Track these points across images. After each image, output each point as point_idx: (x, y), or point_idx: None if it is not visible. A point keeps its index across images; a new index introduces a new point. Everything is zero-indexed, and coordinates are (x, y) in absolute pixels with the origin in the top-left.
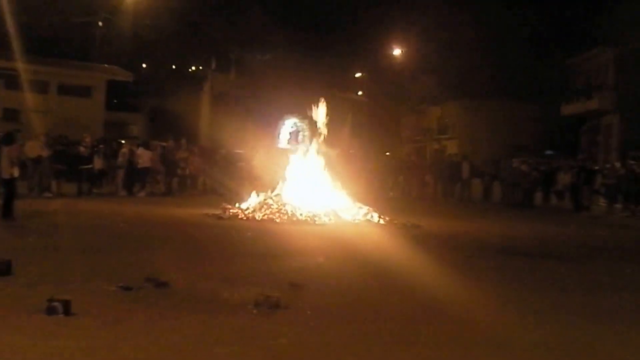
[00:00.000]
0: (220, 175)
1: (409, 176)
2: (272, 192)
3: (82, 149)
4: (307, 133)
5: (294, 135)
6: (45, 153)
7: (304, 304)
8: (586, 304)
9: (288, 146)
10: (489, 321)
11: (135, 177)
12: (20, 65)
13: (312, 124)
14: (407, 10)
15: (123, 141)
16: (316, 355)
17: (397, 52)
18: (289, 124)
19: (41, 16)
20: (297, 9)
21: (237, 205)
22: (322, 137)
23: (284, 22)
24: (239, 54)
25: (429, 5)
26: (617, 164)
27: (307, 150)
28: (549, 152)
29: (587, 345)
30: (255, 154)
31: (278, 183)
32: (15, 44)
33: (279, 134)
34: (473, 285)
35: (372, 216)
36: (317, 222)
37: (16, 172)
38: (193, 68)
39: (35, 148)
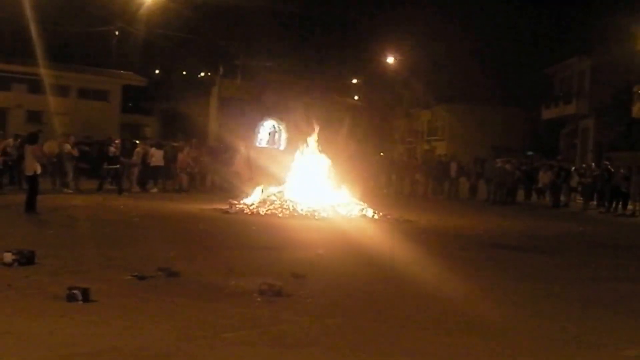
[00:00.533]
0: (226, 173)
1: (401, 175)
2: (275, 188)
3: (112, 149)
4: (284, 134)
5: (272, 135)
6: (74, 152)
7: (305, 292)
8: (567, 294)
9: (266, 145)
10: (477, 309)
11: (149, 174)
12: (43, 70)
13: (312, 126)
14: (400, 22)
15: (137, 141)
16: (316, 340)
17: (390, 60)
18: (268, 125)
19: (62, 25)
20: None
21: (242, 200)
22: (319, 138)
23: (286, 32)
24: (244, 60)
25: (420, 18)
26: (593, 165)
27: (307, 150)
28: (530, 153)
29: (576, 333)
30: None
31: (280, 180)
32: (39, 51)
33: (258, 133)
34: (462, 277)
35: (367, 212)
36: (316, 217)
37: (39, 169)
38: (202, 74)
39: (54, 147)
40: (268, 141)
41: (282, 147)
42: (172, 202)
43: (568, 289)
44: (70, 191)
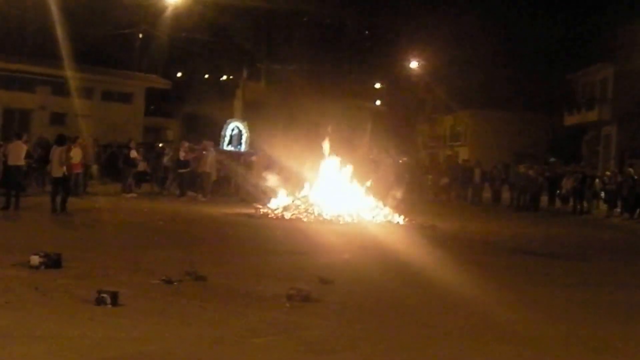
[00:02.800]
0: (251, 178)
1: (424, 180)
2: (299, 193)
3: (133, 153)
4: (247, 135)
5: (236, 137)
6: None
7: (332, 297)
8: (594, 300)
9: (230, 148)
10: (503, 315)
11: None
12: (68, 73)
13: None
14: (423, 28)
15: (161, 144)
16: (345, 345)
17: (413, 65)
18: (231, 127)
19: (87, 29)
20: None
21: (267, 205)
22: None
23: (310, 36)
24: (268, 64)
25: (443, 23)
26: (617, 171)
27: (331, 155)
28: (552, 159)
29: (600, 339)
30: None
31: (305, 184)
32: (63, 53)
33: (223, 135)
34: (487, 282)
35: (391, 217)
36: (341, 222)
37: (66, 171)
38: (225, 77)
39: (78, 155)
40: (230, 143)
41: (243, 149)
42: (197, 205)
43: (596, 296)
44: (88, 194)
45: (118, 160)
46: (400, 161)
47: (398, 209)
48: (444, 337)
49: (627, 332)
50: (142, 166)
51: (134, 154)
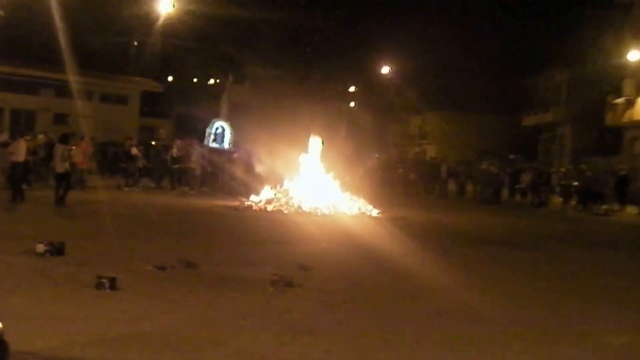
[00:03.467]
0: (235, 173)
1: (395, 175)
2: (280, 186)
3: (134, 150)
4: (231, 134)
5: (220, 135)
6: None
7: (312, 283)
8: (556, 285)
9: (214, 145)
10: (468, 299)
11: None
12: (70, 77)
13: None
14: (393, 36)
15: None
16: (324, 327)
17: (385, 69)
18: (216, 126)
19: (88, 37)
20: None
21: (251, 198)
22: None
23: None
24: (252, 69)
25: (412, 32)
26: (571, 168)
27: (311, 152)
28: (511, 156)
29: (563, 322)
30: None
31: (286, 179)
32: (66, 59)
33: (208, 134)
34: (454, 269)
35: (365, 209)
36: (319, 214)
37: (69, 167)
38: (212, 81)
39: (79, 154)
40: (214, 140)
41: (226, 146)
42: (186, 199)
43: (554, 281)
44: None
45: (120, 157)
46: (374, 157)
47: (371, 202)
48: (414, 318)
49: (584, 315)
50: (140, 162)
51: (134, 151)
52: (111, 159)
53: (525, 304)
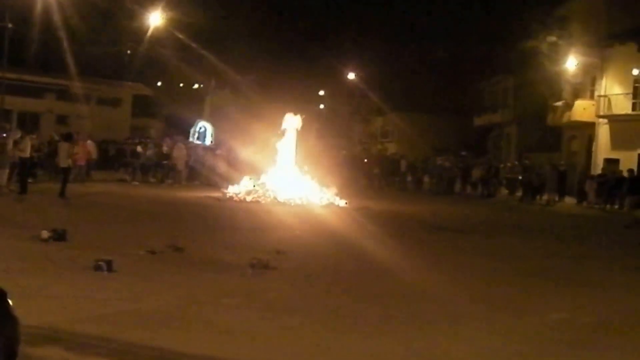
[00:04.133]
0: (217, 167)
1: (359, 169)
2: (258, 179)
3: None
4: (212, 132)
5: (203, 134)
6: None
7: (286, 265)
8: (503, 266)
9: (198, 142)
10: (426, 279)
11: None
12: (70, 82)
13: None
14: (358, 44)
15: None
16: (298, 305)
17: (350, 75)
18: (199, 125)
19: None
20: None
21: (231, 189)
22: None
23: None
24: (231, 75)
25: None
26: (517, 162)
27: (285, 148)
28: (464, 152)
29: (507, 300)
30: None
31: (262, 173)
32: (67, 66)
33: (193, 132)
34: (412, 253)
35: (334, 200)
36: (293, 204)
37: (71, 163)
38: (197, 85)
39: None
40: (198, 138)
41: (208, 144)
42: (172, 190)
43: (500, 263)
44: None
45: (126, 153)
46: (342, 154)
47: (339, 193)
48: (376, 298)
49: (528, 294)
50: (143, 159)
51: (139, 148)
52: (114, 156)
53: (476, 284)
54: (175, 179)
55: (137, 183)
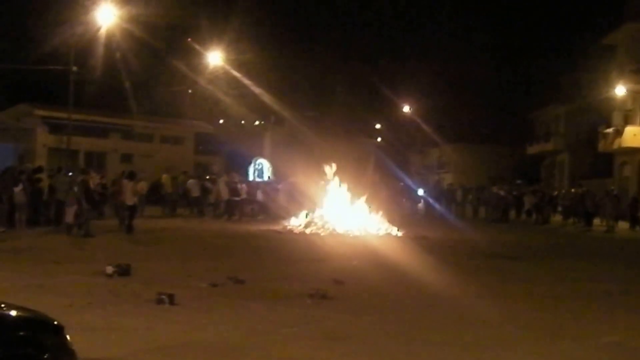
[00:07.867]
0: (277, 202)
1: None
2: (317, 212)
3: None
4: (270, 169)
5: (260, 171)
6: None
7: (344, 295)
8: (556, 292)
9: (257, 179)
10: (480, 306)
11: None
12: (134, 122)
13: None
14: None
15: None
16: (355, 333)
17: (405, 108)
18: (257, 162)
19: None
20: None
21: (291, 223)
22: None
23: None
24: (290, 112)
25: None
26: (572, 190)
27: (340, 182)
28: (518, 181)
29: (561, 325)
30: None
31: (321, 206)
32: (131, 106)
33: (252, 169)
34: (469, 281)
35: (391, 230)
36: (350, 235)
37: (136, 200)
38: (257, 122)
39: (144, 188)
40: (257, 175)
41: (267, 180)
42: (235, 225)
43: (554, 289)
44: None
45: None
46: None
47: (396, 224)
48: (433, 325)
49: (581, 318)
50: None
51: (208, 185)
52: (183, 193)
53: (530, 310)
54: (242, 214)
55: (209, 218)
